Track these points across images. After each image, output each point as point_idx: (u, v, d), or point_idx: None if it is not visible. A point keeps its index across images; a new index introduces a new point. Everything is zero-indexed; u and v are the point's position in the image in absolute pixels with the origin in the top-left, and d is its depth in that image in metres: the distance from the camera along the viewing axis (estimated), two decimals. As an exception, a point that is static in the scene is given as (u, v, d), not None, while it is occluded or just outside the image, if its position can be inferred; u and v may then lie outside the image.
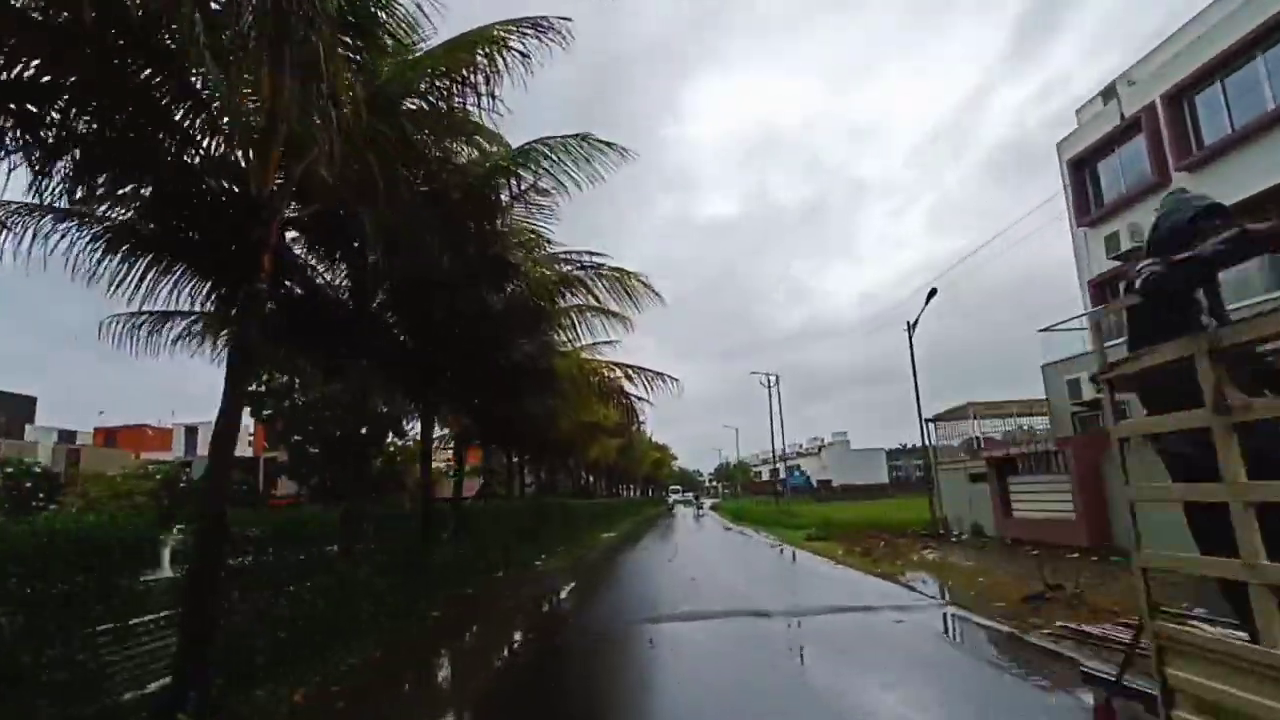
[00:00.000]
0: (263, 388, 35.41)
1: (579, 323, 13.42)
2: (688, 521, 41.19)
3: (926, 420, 18.56)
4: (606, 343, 14.68)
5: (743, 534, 26.25)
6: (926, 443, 18.59)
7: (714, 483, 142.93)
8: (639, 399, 14.74)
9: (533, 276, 9.62)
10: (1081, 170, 17.97)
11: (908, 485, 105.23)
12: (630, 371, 12.82)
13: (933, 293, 17.25)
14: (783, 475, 52.62)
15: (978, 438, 17.76)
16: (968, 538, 16.95)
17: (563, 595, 11.99)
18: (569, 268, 10.62)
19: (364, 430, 34.75)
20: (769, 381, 46.77)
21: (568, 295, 11.04)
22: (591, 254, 10.48)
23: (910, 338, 18.47)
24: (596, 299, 10.95)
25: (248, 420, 43.32)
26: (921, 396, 17.55)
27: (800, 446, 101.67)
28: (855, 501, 58.28)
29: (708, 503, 72.43)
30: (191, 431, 56.77)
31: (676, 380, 12.86)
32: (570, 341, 13.73)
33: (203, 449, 53.51)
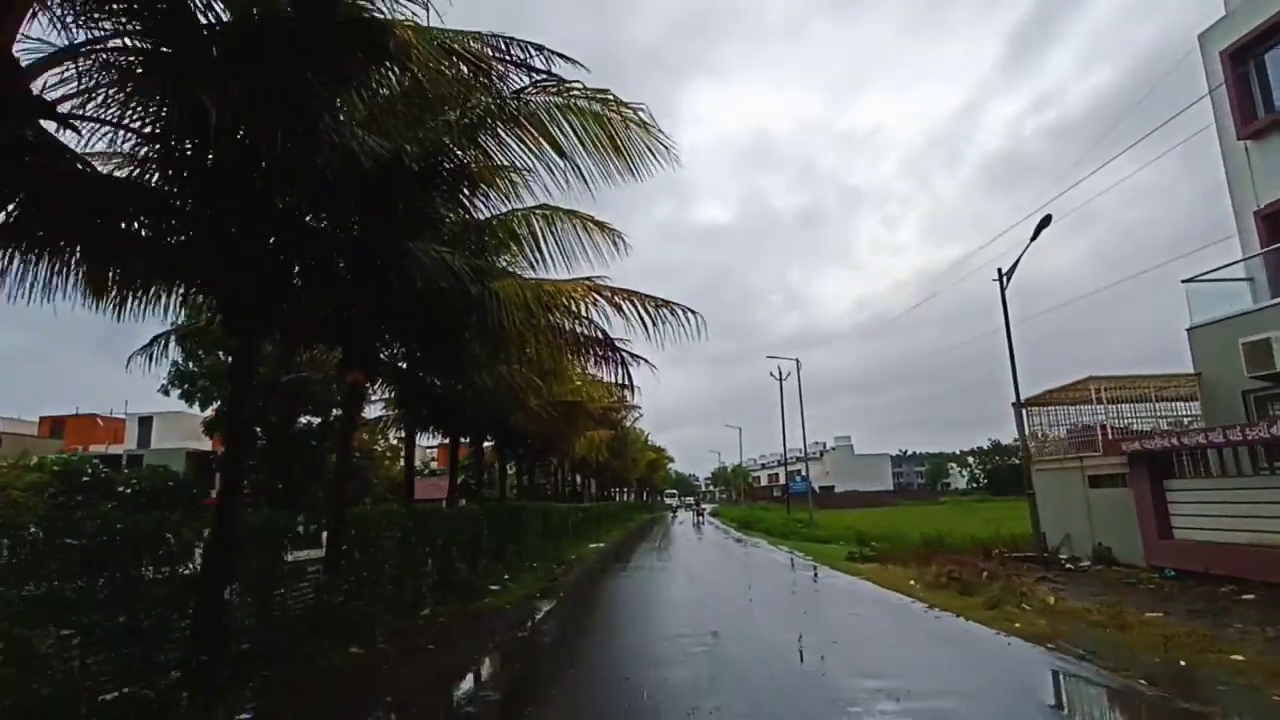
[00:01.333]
0: (194, 366, 30.57)
1: (542, 234, 8.64)
2: (687, 529, 36.75)
3: (1020, 403, 13.74)
4: (586, 279, 9.84)
5: (759, 549, 21.32)
6: (1021, 432, 13.78)
7: (710, 487, 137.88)
8: (634, 357, 9.81)
9: (428, 67, 4.80)
10: (1243, 64, 13.18)
11: (911, 492, 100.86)
12: (621, 299, 7.96)
13: (1046, 220, 12.40)
14: (795, 476, 47.83)
15: (1104, 425, 13.00)
16: (1090, 565, 12.12)
17: (501, 661, 7.19)
18: (513, 79, 5.75)
19: (308, 418, 29.57)
20: (780, 374, 41.90)
21: (511, 142, 6.20)
22: (549, 54, 5.62)
23: (1003, 288, 13.60)
24: (559, 148, 6.10)
25: (184, 406, 38.27)
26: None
27: (800, 450, 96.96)
28: (860, 509, 54.03)
29: (708, 508, 67.82)
30: (145, 422, 52.18)
31: (695, 314, 7.99)
32: (529, 261, 8.97)
33: (158, 440, 48.86)
